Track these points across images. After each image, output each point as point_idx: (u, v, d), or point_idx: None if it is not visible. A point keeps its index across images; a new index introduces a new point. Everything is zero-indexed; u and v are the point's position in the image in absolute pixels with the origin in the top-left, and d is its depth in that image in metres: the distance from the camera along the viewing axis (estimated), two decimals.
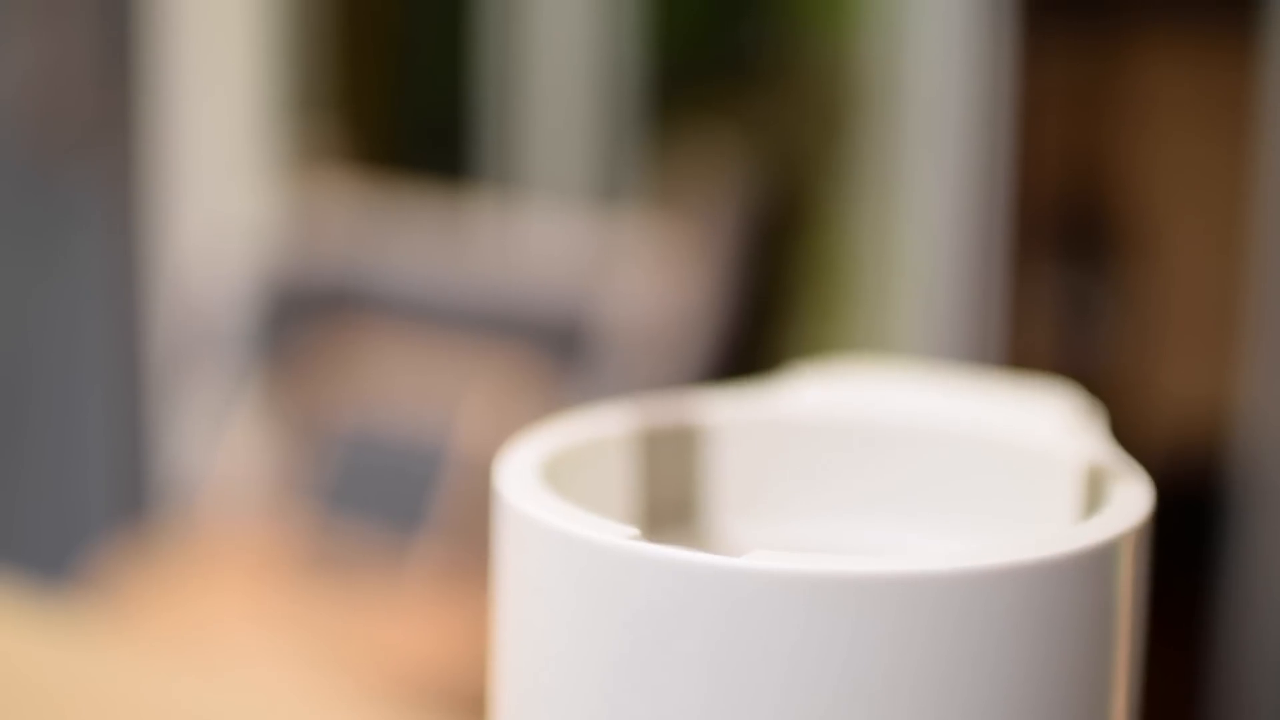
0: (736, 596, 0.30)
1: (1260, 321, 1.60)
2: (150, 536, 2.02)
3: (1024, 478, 0.37)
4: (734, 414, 0.39)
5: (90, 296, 2.26)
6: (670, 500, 0.39)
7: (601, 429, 0.38)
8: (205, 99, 2.19)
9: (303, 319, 2.03)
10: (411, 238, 2.04)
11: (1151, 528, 0.33)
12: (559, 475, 0.35)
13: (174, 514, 2.09)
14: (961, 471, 0.38)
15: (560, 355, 1.89)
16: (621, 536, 0.31)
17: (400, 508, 1.87)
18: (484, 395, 1.88)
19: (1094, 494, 0.35)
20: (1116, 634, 0.32)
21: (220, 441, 2.07)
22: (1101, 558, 0.31)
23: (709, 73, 2.19)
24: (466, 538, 1.82)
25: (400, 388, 1.95)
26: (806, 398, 0.39)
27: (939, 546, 0.38)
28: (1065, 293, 1.86)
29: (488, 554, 0.35)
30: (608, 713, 0.31)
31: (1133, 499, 0.34)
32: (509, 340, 1.90)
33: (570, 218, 2.03)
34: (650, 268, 1.90)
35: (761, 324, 2.01)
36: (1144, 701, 0.35)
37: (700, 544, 0.38)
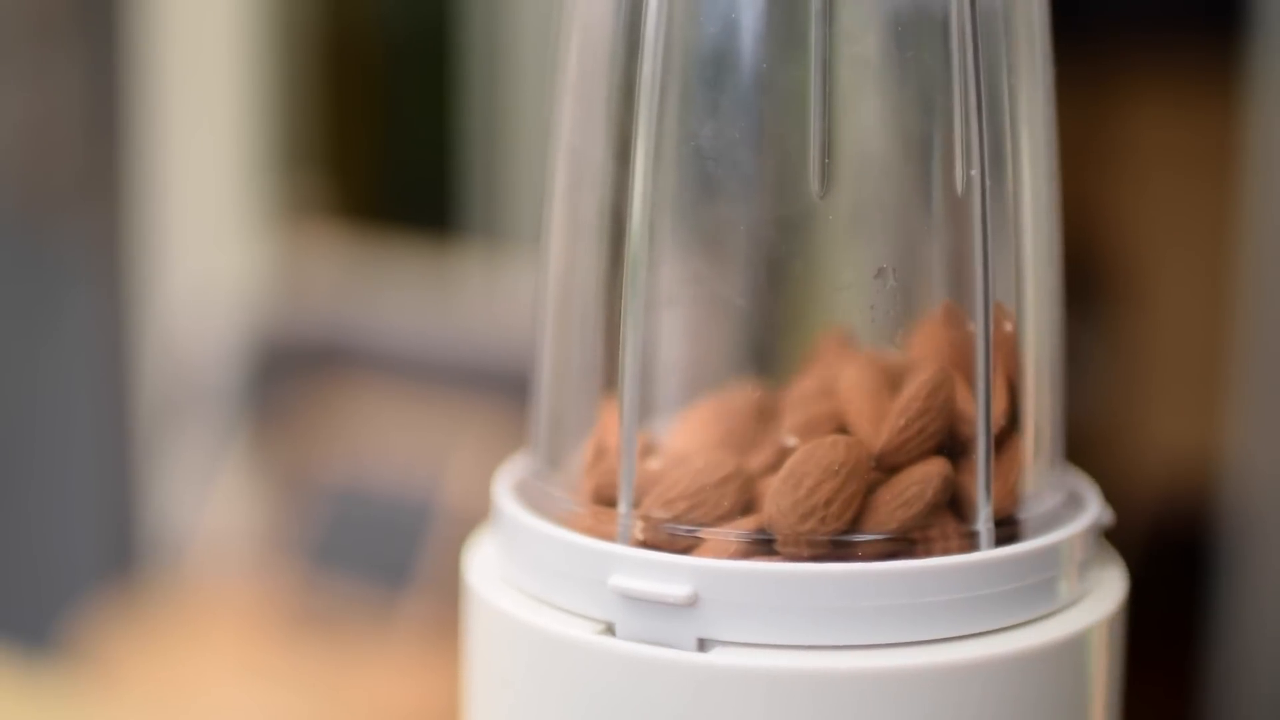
0: (700, 692, 0.30)
1: (1249, 368, 1.59)
2: (137, 593, 2.01)
3: None
4: None
5: (77, 352, 2.26)
6: None
7: None
8: (192, 155, 2.20)
9: (290, 374, 2.03)
10: (399, 292, 2.04)
11: (1125, 616, 0.33)
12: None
13: (161, 570, 2.08)
14: None
15: None
16: (588, 631, 0.31)
17: (389, 563, 1.87)
18: (472, 450, 1.87)
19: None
20: None
21: (207, 497, 2.07)
22: (1073, 649, 0.31)
23: None
24: (455, 593, 1.81)
25: (388, 443, 1.95)
26: None
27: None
28: None
29: None
30: None
31: (1107, 586, 0.33)
32: (497, 395, 1.89)
33: None
34: None
35: None
36: None
37: None
